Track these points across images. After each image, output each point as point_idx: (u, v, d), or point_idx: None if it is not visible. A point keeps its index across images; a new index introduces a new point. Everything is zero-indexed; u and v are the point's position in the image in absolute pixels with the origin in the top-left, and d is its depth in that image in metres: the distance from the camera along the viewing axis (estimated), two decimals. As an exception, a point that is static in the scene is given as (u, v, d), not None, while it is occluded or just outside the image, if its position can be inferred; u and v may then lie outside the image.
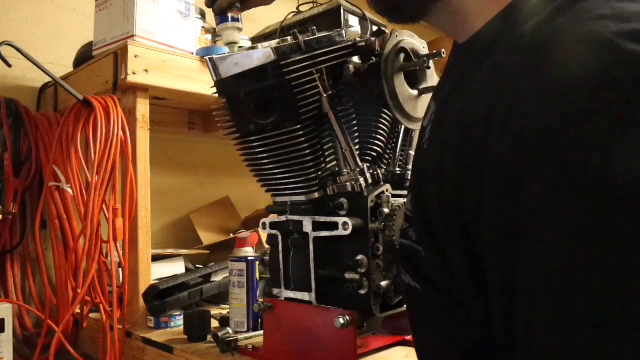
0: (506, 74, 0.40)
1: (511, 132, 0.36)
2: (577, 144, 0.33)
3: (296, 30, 0.83)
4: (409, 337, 0.89)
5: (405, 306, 0.85)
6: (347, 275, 0.76)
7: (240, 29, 0.86)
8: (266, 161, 0.80)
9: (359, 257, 0.75)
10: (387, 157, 0.88)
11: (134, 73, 1.05)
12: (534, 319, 0.35)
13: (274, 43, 0.79)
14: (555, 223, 0.33)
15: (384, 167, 0.87)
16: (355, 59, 0.83)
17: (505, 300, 0.37)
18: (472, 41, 0.50)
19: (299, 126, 0.77)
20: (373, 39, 0.82)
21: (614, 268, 0.31)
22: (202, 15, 1.37)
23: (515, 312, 0.36)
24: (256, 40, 1.10)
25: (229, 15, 0.84)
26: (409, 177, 0.90)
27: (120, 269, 1.04)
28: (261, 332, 0.91)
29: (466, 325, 0.46)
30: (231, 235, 1.45)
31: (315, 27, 0.83)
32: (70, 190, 1.10)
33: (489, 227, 0.38)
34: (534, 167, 0.34)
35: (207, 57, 0.80)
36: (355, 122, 0.84)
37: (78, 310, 1.13)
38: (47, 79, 1.31)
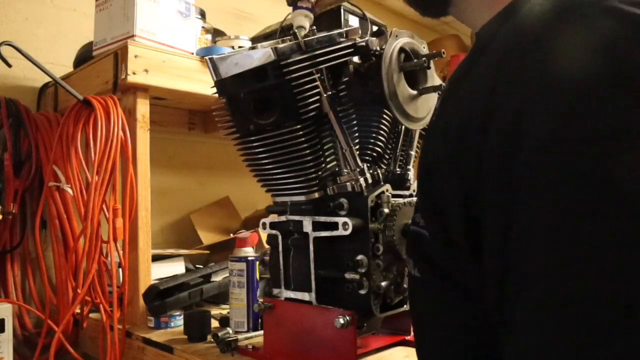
0: (507, 58, 0.41)
1: (510, 112, 0.37)
2: (574, 143, 0.34)
3: (296, 31, 0.83)
4: (409, 337, 0.89)
5: (404, 306, 0.85)
6: (347, 275, 0.76)
7: (308, 16, 0.88)
8: (266, 161, 0.80)
9: (359, 257, 0.75)
10: (387, 157, 0.88)
11: (134, 73, 1.05)
12: (523, 284, 0.36)
13: (274, 43, 0.79)
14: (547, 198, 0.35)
15: (384, 167, 0.87)
16: (356, 59, 0.83)
17: (498, 266, 0.38)
18: (478, 33, 0.51)
19: (299, 126, 0.77)
20: (373, 39, 0.82)
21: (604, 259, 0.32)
22: (202, 15, 1.37)
23: (505, 277, 0.37)
24: (256, 40, 1.10)
25: (300, 4, 0.87)
26: (409, 177, 0.90)
27: (120, 269, 1.04)
28: (261, 332, 0.91)
29: (469, 312, 0.46)
30: (231, 235, 1.45)
31: (315, 27, 0.83)
32: (70, 190, 1.10)
33: (488, 191, 0.39)
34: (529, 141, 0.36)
35: (207, 57, 0.80)
36: (355, 122, 0.84)
37: (78, 310, 1.13)
38: (47, 79, 1.31)
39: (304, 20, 0.87)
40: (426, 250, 0.50)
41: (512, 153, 0.36)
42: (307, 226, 0.79)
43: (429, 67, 0.84)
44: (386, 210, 0.78)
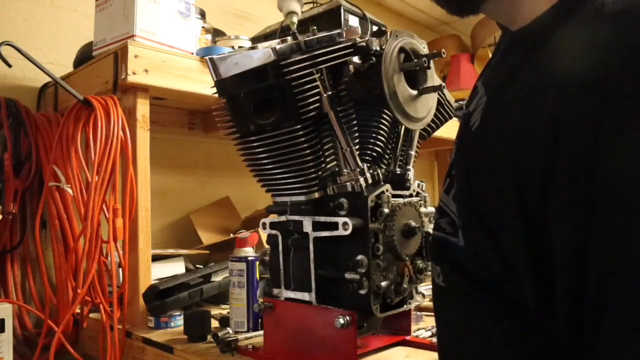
0: (572, 58, 0.40)
1: (586, 116, 0.36)
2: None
3: (296, 30, 0.83)
4: (409, 337, 0.89)
5: (404, 306, 0.85)
6: (347, 275, 0.76)
7: (300, 1, 0.87)
8: (266, 161, 0.80)
9: (359, 257, 0.75)
10: (387, 157, 0.88)
11: (134, 73, 1.05)
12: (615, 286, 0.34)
13: (274, 43, 0.79)
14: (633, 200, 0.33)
15: (384, 167, 0.87)
16: (356, 59, 0.83)
17: (575, 276, 0.36)
18: (526, 29, 0.49)
19: (299, 126, 0.77)
20: (373, 39, 0.82)
21: None
22: (202, 15, 1.37)
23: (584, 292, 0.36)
24: (256, 40, 1.10)
25: None
26: (409, 177, 0.90)
27: (120, 269, 1.04)
28: (261, 332, 0.91)
29: (510, 320, 0.44)
30: (231, 235, 1.45)
31: (315, 27, 0.83)
32: (70, 190, 1.10)
33: (561, 203, 0.37)
34: (611, 145, 0.34)
35: (207, 57, 0.80)
36: (355, 122, 0.84)
37: (78, 310, 1.13)
38: (47, 79, 1.31)
39: (294, 5, 0.86)
40: (457, 259, 0.48)
41: (590, 168, 0.35)
42: (307, 226, 0.79)
43: (429, 67, 0.84)
44: (386, 210, 0.78)
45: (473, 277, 0.47)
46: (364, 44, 0.81)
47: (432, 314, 1.16)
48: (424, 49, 0.87)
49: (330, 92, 0.79)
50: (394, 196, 0.80)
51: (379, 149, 0.86)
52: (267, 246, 0.89)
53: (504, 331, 0.45)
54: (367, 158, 0.84)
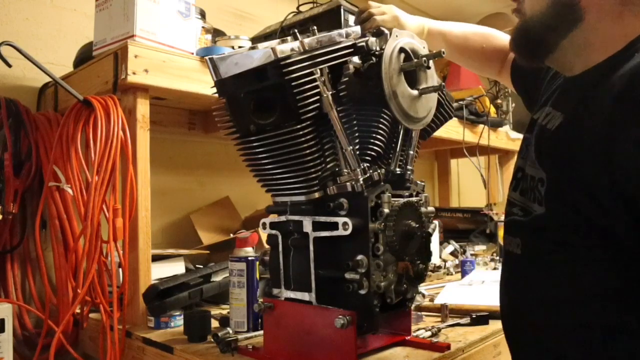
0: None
1: None
2: None
3: (296, 30, 0.83)
4: (409, 337, 0.89)
5: (404, 306, 0.85)
6: (347, 275, 0.76)
7: None
8: (266, 161, 0.80)
9: (359, 257, 0.75)
10: (387, 157, 0.88)
11: (134, 73, 1.05)
12: None
13: (274, 43, 0.79)
14: None
15: (384, 167, 0.87)
16: (356, 58, 0.83)
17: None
18: (585, 74, 0.67)
19: (299, 126, 0.77)
20: (373, 39, 0.82)
21: None
22: (202, 15, 1.37)
23: None
24: (256, 40, 1.10)
25: None
26: (409, 177, 0.90)
27: (120, 269, 1.04)
28: (261, 332, 0.91)
29: (579, 261, 0.63)
30: (231, 235, 1.45)
31: (315, 27, 0.83)
32: (70, 190, 1.10)
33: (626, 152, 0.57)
34: None
35: (207, 57, 0.80)
36: (355, 122, 0.83)
37: (78, 310, 1.13)
38: (47, 79, 1.31)
39: None
40: (537, 226, 0.68)
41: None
42: (307, 226, 0.79)
43: (429, 67, 0.84)
44: (386, 210, 0.78)
45: (553, 236, 0.66)
46: (364, 44, 0.81)
47: (432, 314, 1.16)
48: (424, 49, 0.87)
49: (330, 92, 0.79)
50: (394, 196, 0.80)
51: (379, 149, 0.86)
52: (267, 246, 0.89)
53: (576, 272, 0.64)
54: (367, 158, 0.84)
